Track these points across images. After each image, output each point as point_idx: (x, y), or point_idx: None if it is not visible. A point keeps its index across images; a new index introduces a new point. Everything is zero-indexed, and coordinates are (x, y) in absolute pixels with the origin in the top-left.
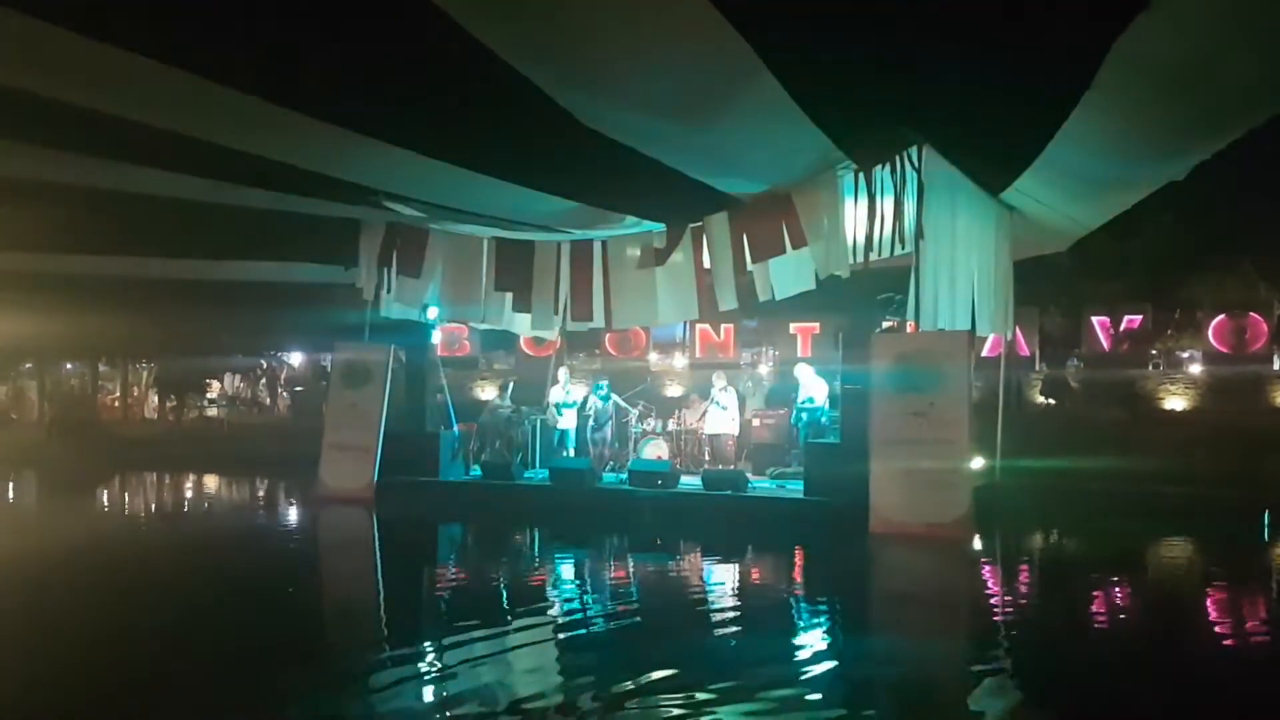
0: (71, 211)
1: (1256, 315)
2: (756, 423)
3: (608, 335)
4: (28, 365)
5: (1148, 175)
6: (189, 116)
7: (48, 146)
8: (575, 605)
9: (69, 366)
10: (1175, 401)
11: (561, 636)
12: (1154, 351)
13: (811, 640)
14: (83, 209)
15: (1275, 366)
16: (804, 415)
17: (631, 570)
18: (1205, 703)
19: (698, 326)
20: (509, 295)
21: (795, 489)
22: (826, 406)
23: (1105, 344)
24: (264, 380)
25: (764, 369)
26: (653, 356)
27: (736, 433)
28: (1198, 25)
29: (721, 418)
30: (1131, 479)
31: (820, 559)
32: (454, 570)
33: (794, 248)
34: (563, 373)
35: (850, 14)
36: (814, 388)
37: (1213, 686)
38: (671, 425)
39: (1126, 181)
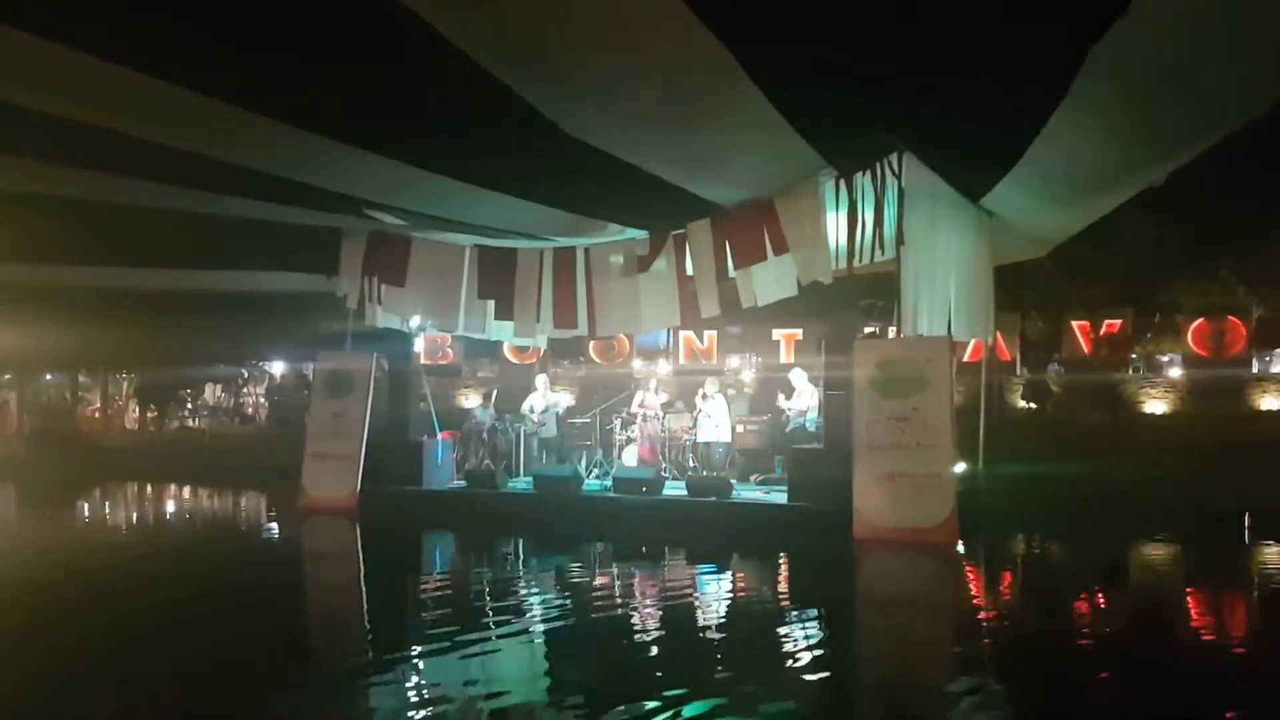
0: (51, 222)
1: (1235, 319)
2: (740, 429)
3: (591, 342)
4: (7, 376)
5: (1126, 180)
6: (169, 127)
7: (26, 157)
8: (559, 615)
9: (49, 377)
10: (1155, 405)
11: (546, 647)
12: (1134, 355)
13: (794, 648)
14: (63, 219)
15: (1254, 370)
16: (794, 419)
17: (616, 578)
18: (1194, 707)
19: (681, 333)
20: (491, 303)
21: (779, 494)
22: (816, 413)
23: (1085, 348)
24: (246, 389)
25: (747, 375)
26: (636, 363)
27: (729, 439)
28: (1175, 31)
29: (707, 425)
30: (1112, 482)
31: (803, 564)
32: (437, 580)
33: (776, 254)
34: (541, 380)
35: (831, 24)
36: (805, 393)
37: (1202, 691)
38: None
39: (1105, 186)
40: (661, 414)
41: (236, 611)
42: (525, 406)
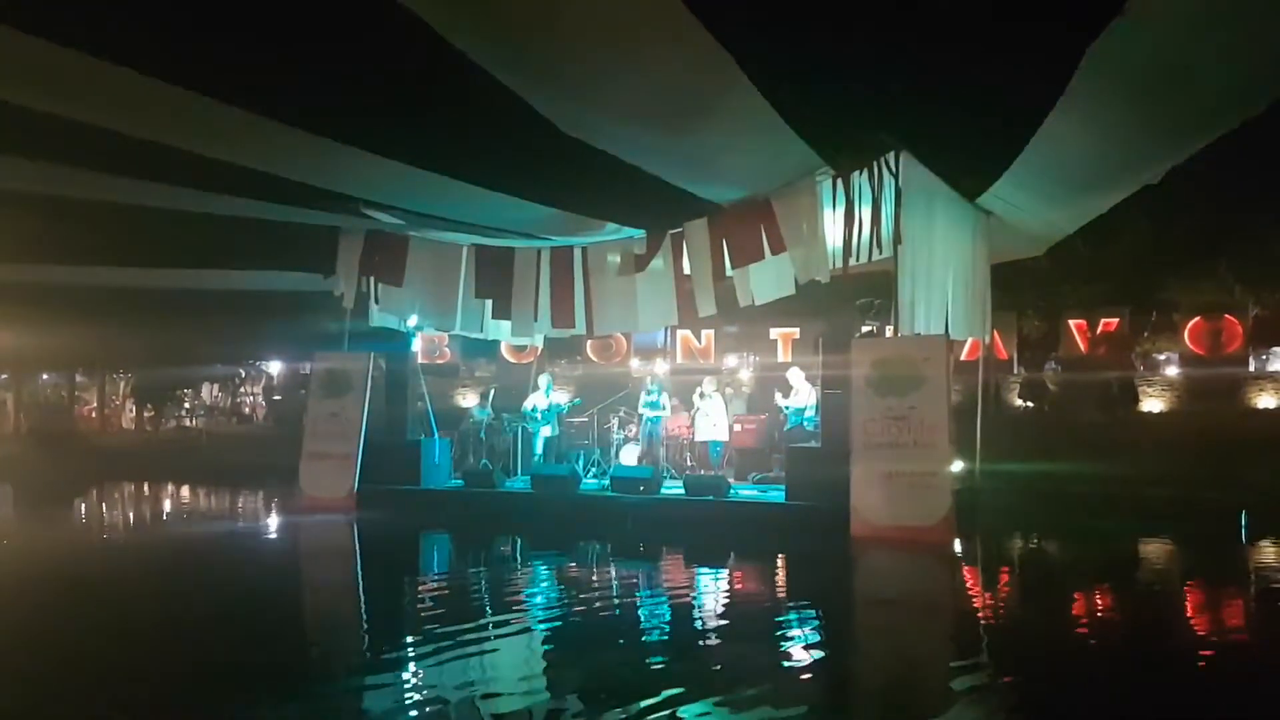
0: (48, 221)
1: (1231, 317)
2: (738, 428)
3: (589, 342)
4: (4, 376)
5: (1123, 179)
6: (168, 126)
7: (24, 156)
8: (555, 614)
9: (46, 377)
10: (1152, 403)
11: (542, 645)
12: (1130, 354)
13: (791, 645)
14: (59, 218)
15: (1250, 368)
16: (792, 418)
17: (613, 577)
18: (1190, 704)
19: (679, 332)
20: (489, 303)
21: (777, 494)
22: (814, 412)
23: (1082, 347)
24: (243, 389)
25: (745, 374)
26: (634, 362)
27: (727, 438)
28: (1171, 30)
29: (705, 424)
30: (1109, 481)
31: (801, 563)
32: (434, 579)
33: (773, 253)
34: (543, 379)
35: (828, 23)
36: (803, 392)
37: (1199, 688)
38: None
39: (1102, 185)
40: (668, 413)
41: (233, 611)
42: (528, 405)
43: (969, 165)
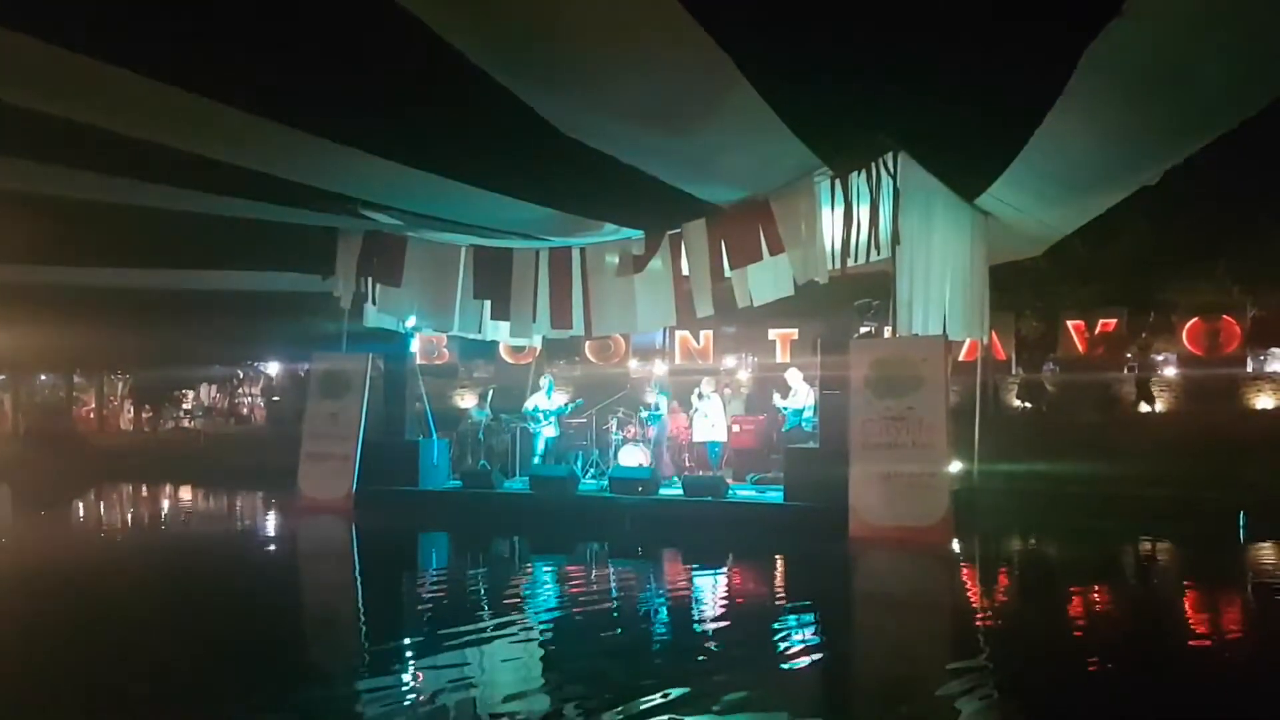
0: (45, 222)
1: (1230, 318)
2: (736, 429)
3: (587, 342)
4: (1, 377)
5: (1121, 179)
6: (168, 126)
7: (21, 157)
8: (553, 614)
9: (43, 378)
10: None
11: (542, 648)
12: (1129, 355)
13: (790, 644)
14: (57, 219)
15: (1249, 369)
16: (790, 419)
17: (612, 578)
18: (1191, 705)
19: (677, 333)
20: (487, 303)
21: (775, 494)
22: (812, 412)
23: (1080, 347)
24: (241, 390)
25: (743, 375)
26: (633, 363)
27: (725, 438)
28: (1170, 30)
29: (703, 425)
30: (1107, 481)
31: (800, 563)
32: (432, 580)
33: (772, 254)
34: (545, 380)
35: (826, 23)
36: (802, 392)
37: (1196, 687)
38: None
39: (1100, 186)
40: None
41: (230, 612)
42: (530, 405)
43: (967, 166)
